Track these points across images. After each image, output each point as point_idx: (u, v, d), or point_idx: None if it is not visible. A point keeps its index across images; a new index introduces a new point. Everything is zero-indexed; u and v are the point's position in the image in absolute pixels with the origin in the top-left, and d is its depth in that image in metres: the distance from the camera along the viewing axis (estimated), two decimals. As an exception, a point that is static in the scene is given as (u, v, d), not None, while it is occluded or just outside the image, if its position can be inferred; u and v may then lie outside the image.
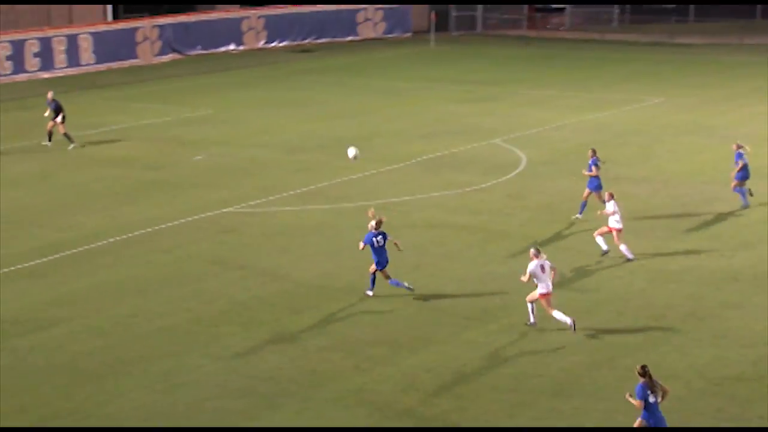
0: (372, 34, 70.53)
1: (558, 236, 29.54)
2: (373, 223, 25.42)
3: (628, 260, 27.65)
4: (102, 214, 32.25)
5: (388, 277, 25.46)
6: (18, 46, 53.43)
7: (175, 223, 31.41)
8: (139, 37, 59.34)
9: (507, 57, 64.92)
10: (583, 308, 24.73)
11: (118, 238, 29.98)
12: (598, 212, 28.48)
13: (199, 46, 62.54)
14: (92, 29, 57.34)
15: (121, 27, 58.83)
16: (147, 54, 59.70)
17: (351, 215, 31.99)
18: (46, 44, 54.62)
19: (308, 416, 19.85)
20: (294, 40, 66.77)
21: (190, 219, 31.49)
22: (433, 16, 70.21)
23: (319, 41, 67.69)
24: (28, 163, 38.35)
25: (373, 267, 25.37)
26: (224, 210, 32.60)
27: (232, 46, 64.11)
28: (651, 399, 17.65)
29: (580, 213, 31.00)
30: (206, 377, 21.43)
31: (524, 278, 23.55)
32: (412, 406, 20.17)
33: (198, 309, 24.93)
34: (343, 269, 27.18)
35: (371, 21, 70.62)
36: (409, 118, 46.52)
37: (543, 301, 23.38)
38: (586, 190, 31.00)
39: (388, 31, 71.42)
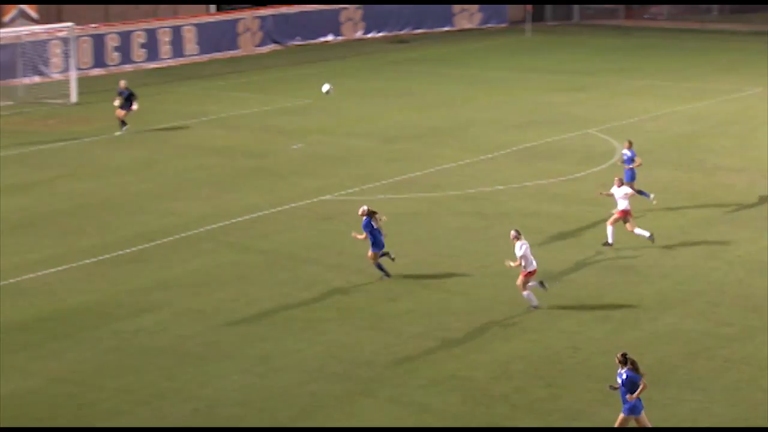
0: (468, 25, 70.68)
1: (654, 226, 29.56)
2: (364, 208, 25.62)
3: (648, 238, 27.67)
4: (204, 201, 33.02)
5: (383, 254, 25.62)
6: (125, 38, 54.68)
7: (274, 210, 32.05)
8: (240, 28, 60.29)
9: (603, 47, 64.60)
10: (679, 298, 24.81)
11: (219, 224, 30.70)
12: (597, 193, 29.07)
13: (299, 37, 63.28)
14: (196, 21, 58.43)
15: (223, 18, 59.84)
16: (248, 45, 60.61)
17: (445, 204, 32.34)
18: (152, 36, 55.82)
19: (403, 402, 20.24)
20: (391, 31, 67.18)
21: (288, 207, 32.09)
22: (529, 6, 70.13)
23: (416, 32, 68.02)
24: (134, 150, 39.31)
25: (371, 253, 25.62)
26: (321, 198, 33.16)
27: (330, 37, 64.75)
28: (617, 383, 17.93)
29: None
30: (303, 362, 21.95)
31: (514, 263, 23.67)
32: (505, 392, 20.44)
33: (295, 295, 25.49)
34: (437, 257, 27.53)
35: (467, 12, 70.76)
36: (503, 108, 46.68)
37: (524, 279, 23.65)
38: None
39: (484, 21, 71.48)
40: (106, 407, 20.00)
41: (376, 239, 25.72)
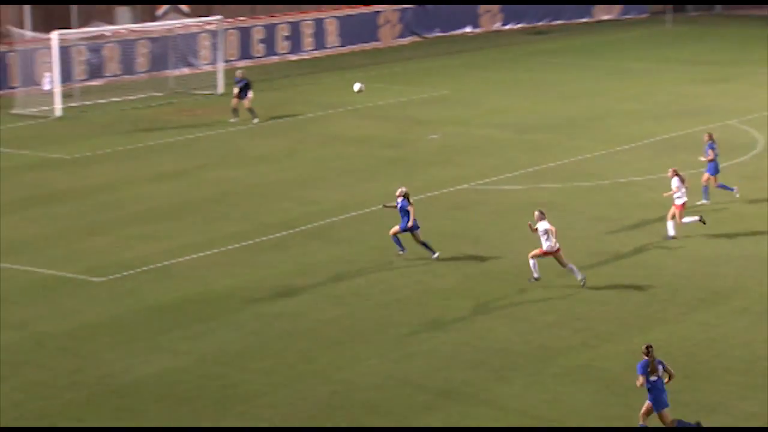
0: (607, 16, 70.17)
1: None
2: (402, 189, 27.06)
3: (668, 238, 27.80)
4: (342, 190, 33.73)
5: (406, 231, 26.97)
6: (270, 31, 55.89)
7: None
8: (380, 20, 61.01)
9: (746, 37, 63.49)
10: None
11: (356, 213, 31.35)
12: (664, 194, 28.63)
13: (438, 29, 63.71)
14: (338, 13, 59.35)
15: (364, 11, 60.61)
16: (387, 37, 61.30)
17: (580, 195, 32.44)
18: (295, 28, 56.92)
19: (536, 390, 20.53)
20: (529, 23, 67.11)
21: (424, 196, 32.58)
22: (670, -4, 69.30)
23: (554, 23, 67.82)
24: (276, 140, 40.26)
25: (396, 229, 26.97)
26: (457, 187, 33.56)
27: (468, 29, 65.00)
28: (651, 378, 18.07)
29: (706, 199, 30.83)
30: (438, 348, 22.41)
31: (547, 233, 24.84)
32: (639, 382, 20.56)
33: (430, 282, 25.98)
34: (571, 248, 27.65)
35: (606, 3, 70.23)
36: (642, 99, 46.39)
37: (540, 256, 25.07)
38: (705, 175, 30.78)
39: (624, 12, 70.85)
40: (248, 388, 20.75)
41: (403, 219, 26.99)
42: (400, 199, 27.09)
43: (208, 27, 50.41)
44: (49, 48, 43.54)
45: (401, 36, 61.98)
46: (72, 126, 41.72)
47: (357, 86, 26.21)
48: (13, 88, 45.06)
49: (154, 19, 54.60)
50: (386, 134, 40.93)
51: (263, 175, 35.55)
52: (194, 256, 27.69)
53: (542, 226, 25.10)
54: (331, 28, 58.58)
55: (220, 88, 47.58)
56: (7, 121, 41.81)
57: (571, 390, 20.41)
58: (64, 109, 42.97)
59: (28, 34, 46.38)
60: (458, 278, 26.13)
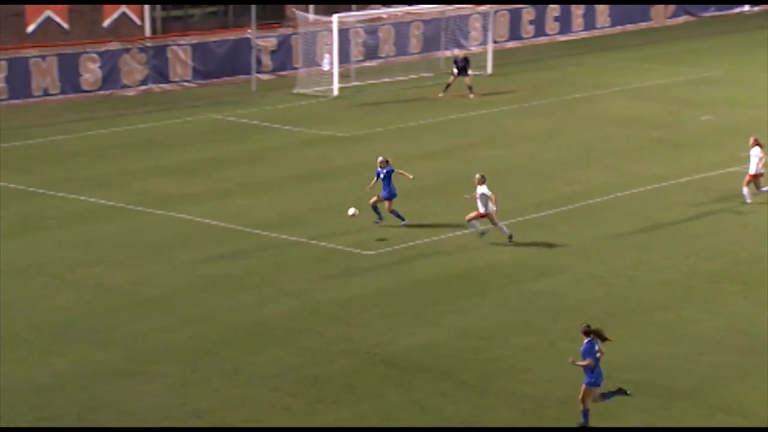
0: None
1: None
2: (380, 159, 28.27)
3: (744, 203, 28.39)
4: (608, 171, 33.57)
5: (390, 210, 28.25)
6: (540, 12, 55.97)
7: (677, 181, 32.13)
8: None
9: None
10: None
11: (621, 193, 31.19)
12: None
13: (713, 8, 62.16)
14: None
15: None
16: (660, 16, 60.20)
17: None
18: (565, 9, 56.72)
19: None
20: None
21: (691, 178, 32.04)
22: None
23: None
24: (542, 120, 40.37)
25: (375, 198, 28.16)
26: (728, 170, 32.82)
27: (746, 7, 63.11)
28: (598, 355, 18.22)
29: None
30: (704, 332, 22.16)
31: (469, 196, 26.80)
32: None
33: (698, 265, 25.64)
34: None
35: None
36: None
37: (477, 218, 26.98)
38: None
39: None
40: (509, 363, 21.11)
41: (386, 189, 28.21)
42: (381, 169, 28.18)
43: (479, 9, 50.96)
44: (329, 30, 45.07)
45: (674, 16, 60.75)
46: (347, 105, 43.08)
47: (351, 211, 26.84)
48: (296, 68, 46.91)
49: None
50: (655, 115, 40.39)
51: (528, 154, 35.78)
52: (459, 233, 28.23)
53: (480, 190, 26.59)
54: (602, 9, 58.04)
55: (489, 69, 48.05)
56: (289, 100, 43.59)
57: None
58: (341, 89, 44.43)
59: (311, 17, 48.09)
60: (729, 262, 25.68)
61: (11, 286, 24.79)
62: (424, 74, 48.07)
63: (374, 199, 28.56)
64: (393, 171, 28.38)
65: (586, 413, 18.65)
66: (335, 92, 44.30)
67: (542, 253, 26.89)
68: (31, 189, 31.95)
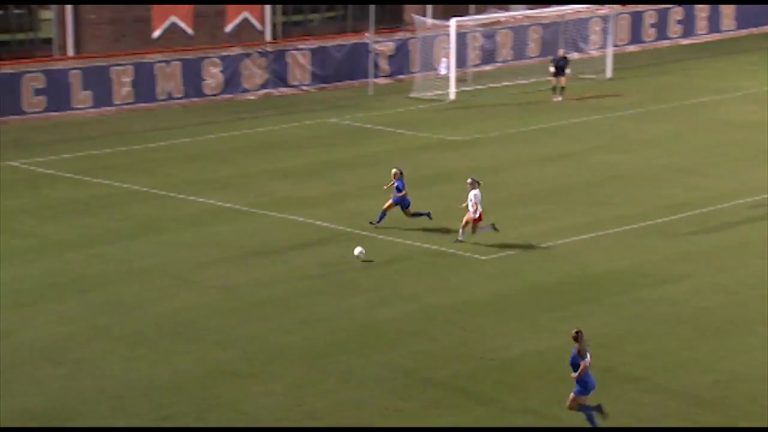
0: None
1: None
2: (394, 171, 28.53)
3: None
4: (730, 177, 32.92)
5: (409, 214, 28.59)
6: (662, 15, 55.22)
7: (804, 188, 31.41)
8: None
9: None
10: None
11: (744, 200, 30.56)
12: None
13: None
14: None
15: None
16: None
17: None
18: (689, 12, 55.87)
19: None
20: None
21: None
22: None
23: None
24: (663, 124, 39.76)
25: (389, 204, 28.42)
26: None
27: None
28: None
29: None
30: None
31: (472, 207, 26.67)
32: None
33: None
34: None
35: None
36: None
37: (472, 224, 26.96)
38: None
39: None
40: (627, 371, 20.81)
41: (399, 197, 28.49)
42: (396, 181, 28.45)
43: (599, 12, 50.46)
44: (447, 35, 45.06)
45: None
46: (464, 109, 43.01)
47: (357, 250, 26.17)
48: (413, 72, 47.00)
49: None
50: (780, 120, 39.53)
51: (648, 159, 35.28)
52: (576, 238, 27.96)
53: (472, 194, 26.81)
54: (727, 11, 57.00)
55: (609, 73, 47.52)
56: (405, 104, 43.69)
57: None
58: (458, 93, 44.37)
59: (429, 21, 48.14)
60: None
61: (135, 286, 25.27)
62: (542, 78, 47.78)
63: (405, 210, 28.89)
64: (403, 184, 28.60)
65: (590, 417, 18.49)
66: (452, 96, 44.26)
67: (662, 259, 26.47)
68: (154, 191, 32.54)
